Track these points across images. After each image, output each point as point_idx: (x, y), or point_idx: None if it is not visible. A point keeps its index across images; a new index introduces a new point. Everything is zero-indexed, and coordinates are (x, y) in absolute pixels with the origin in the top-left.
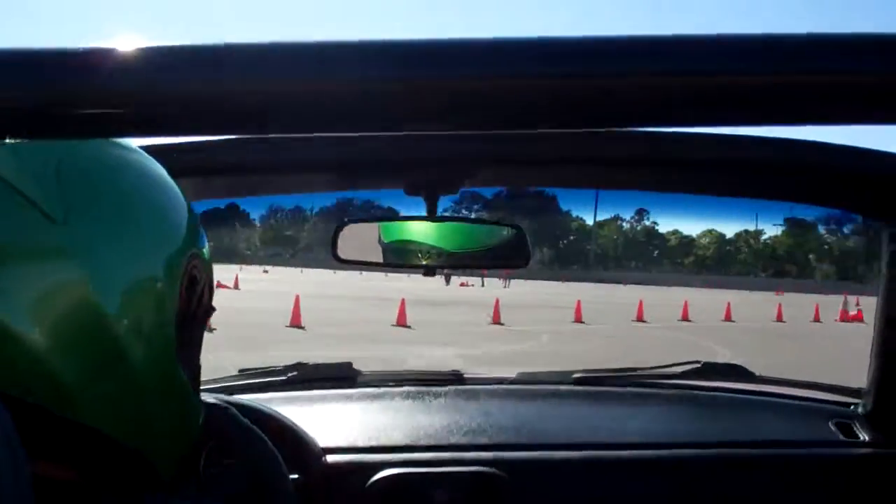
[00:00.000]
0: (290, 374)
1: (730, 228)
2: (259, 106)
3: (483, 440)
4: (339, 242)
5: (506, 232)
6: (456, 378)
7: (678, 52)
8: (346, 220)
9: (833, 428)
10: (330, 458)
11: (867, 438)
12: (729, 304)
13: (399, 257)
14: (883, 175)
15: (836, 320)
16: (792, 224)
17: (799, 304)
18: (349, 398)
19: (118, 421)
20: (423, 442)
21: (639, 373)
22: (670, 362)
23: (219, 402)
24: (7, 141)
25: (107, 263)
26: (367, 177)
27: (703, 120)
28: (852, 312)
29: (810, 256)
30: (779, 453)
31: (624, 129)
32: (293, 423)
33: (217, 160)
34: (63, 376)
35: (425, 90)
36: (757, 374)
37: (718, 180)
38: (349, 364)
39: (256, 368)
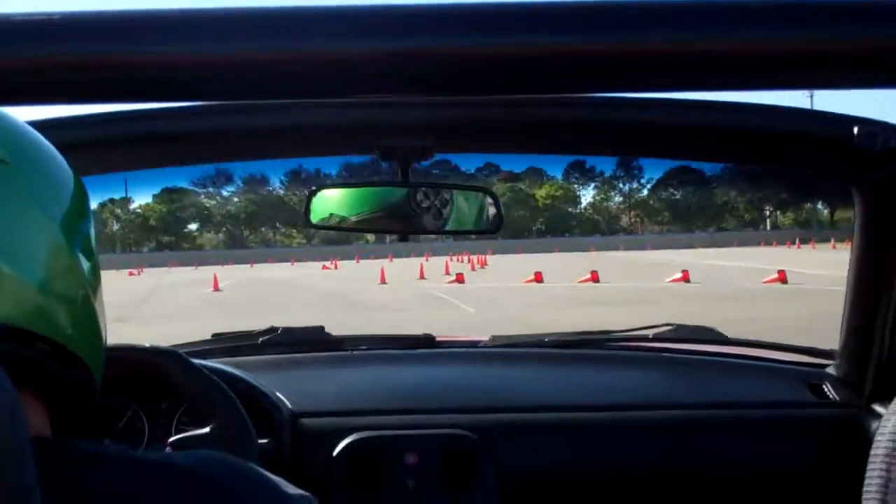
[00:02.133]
0: (262, 339)
1: None
2: (227, 72)
3: (455, 403)
4: (313, 207)
5: (479, 197)
6: (428, 342)
7: (658, 16)
8: (318, 185)
9: (805, 389)
10: (301, 422)
11: (838, 399)
12: None
13: (372, 223)
14: (854, 138)
15: None
16: None
17: None
18: (321, 362)
19: (80, 338)
20: (394, 405)
21: (612, 335)
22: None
23: (193, 364)
24: None
25: (45, 191)
26: (339, 143)
27: (677, 85)
28: None
29: None
30: (751, 414)
31: (599, 95)
32: (264, 388)
33: (187, 127)
34: (47, 303)
35: (395, 56)
36: (729, 336)
37: (693, 145)
38: (321, 328)
39: (229, 333)
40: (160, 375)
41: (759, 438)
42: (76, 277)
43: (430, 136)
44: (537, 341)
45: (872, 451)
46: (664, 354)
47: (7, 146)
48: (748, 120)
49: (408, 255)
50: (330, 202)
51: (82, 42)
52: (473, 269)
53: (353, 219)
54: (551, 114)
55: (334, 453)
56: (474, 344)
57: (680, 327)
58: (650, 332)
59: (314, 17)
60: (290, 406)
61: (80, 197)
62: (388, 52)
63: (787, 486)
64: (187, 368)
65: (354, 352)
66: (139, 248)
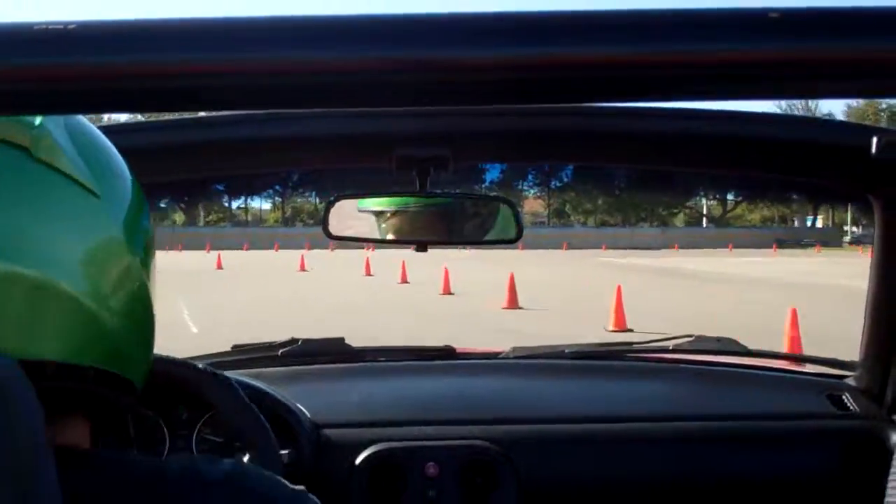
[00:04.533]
0: (282, 350)
1: None
2: (248, 82)
3: (476, 414)
4: (331, 219)
5: (497, 207)
6: (449, 353)
7: (673, 26)
8: (336, 195)
9: (825, 400)
10: (322, 433)
11: (858, 410)
12: None
13: (390, 233)
14: (873, 149)
15: None
16: None
17: None
18: (342, 373)
19: (137, 365)
20: (415, 416)
21: (632, 347)
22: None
23: (220, 376)
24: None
25: (131, 225)
26: (357, 152)
27: (696, 94)
28: None
29: None
30: (771, 426)
31: (620, 105)
32: (286, 399)
33: (201, 137)
34: (122, 340)
35: (413, 66)
36: (749, 347)
37: (710, 155)
38: (342, 339)
39: (250, 344)
40: (187, 388)
41: (778, 450)
42: (141, 294)
43: (446, 145)
44: (558, 353)
45: (894, 463)
46: (684, 366)
47: (100, 174)
48: (765, 130)
49: None
50: (348, 213)
51: (87, 53)
52: None
53: (387, 226)
54: (569, 123)
55: (355, 464)
56: (494, 355)
57: (700, 339)
58: (670, 344)
59: (332, 26)
60: (310, 417)
61: (139, 200)
62: (405, 60)
63: (807, 498)
64: (219, 385)
65: (375, 363)
66: None
